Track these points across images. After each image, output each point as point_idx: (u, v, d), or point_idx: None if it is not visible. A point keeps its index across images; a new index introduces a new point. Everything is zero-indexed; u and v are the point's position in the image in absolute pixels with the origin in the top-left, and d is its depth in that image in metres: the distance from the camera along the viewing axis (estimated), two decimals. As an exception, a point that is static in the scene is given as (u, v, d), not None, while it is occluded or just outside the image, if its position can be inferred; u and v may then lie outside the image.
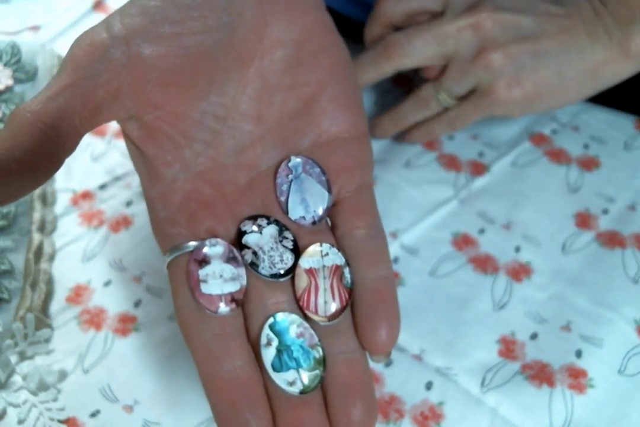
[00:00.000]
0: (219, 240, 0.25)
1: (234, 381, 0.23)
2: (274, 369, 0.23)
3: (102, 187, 0.43)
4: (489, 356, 0.35)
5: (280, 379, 0.23)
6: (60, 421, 0.33)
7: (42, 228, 0.40)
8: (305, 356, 0.24)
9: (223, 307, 0.24)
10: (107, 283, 0.39)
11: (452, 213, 0.41)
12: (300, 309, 0.25)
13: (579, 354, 0.35)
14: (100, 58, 0.24)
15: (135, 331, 0.37)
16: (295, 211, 0.26)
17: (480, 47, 0.38)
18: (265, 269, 0.25)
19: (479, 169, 0.43)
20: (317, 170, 0.27)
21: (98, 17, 0.54)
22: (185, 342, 0.25)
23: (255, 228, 0.26)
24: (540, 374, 0.34)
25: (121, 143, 0.46)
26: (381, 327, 0.24)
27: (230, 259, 0.25)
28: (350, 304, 0.25)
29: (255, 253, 0.25)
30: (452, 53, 0.38)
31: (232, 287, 0.24)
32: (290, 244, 0.26)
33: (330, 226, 0.27)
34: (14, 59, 0.47)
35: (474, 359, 0.35)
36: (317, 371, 0.23)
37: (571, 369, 0.35)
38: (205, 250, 0.25)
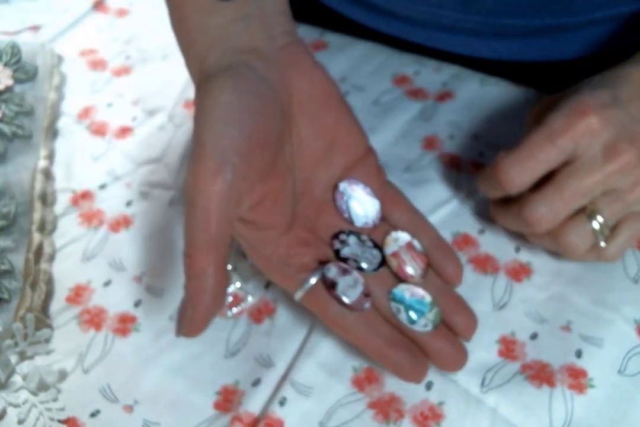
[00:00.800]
0: (329, 265, 0.33)
1: (392, 341, 0.32)
2: (411, 323, 0.32)
3: (102, 187, 0.43)
4: (489, 355, 0.35)
5: (418, 327, 0.32)
6: (60, 421, 0.33)
7: (42, 228, 0.40)
8: (423, 305, 0.33)
9: (367, 305, 0.32)
10: (107, 283, 0.39)
11: (453, 213, 0.41)
12: (400, 280, 0.34)
13: (579, 354, 0.35)
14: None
15: (135, 331, 0.37)
16: (359, 220, 0.35)
17: (635, 181, 0.34)
18: (368, 267, 0.33)
19: (479, 169, 0.43)
20: (360, 185, 0.35)
21: (98, 17, 0.54)
22: (351, 337, 0.32)
23: (341, 242, 0.34)
24: (540, 374, 0.34)
25: (121, 143, 0.46)
26: (450, 265, 0.35)
27: (344, 272, 0.32)
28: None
29: (355, 260, 0.33)
30: (599, 195, 0.34)
31: (361, 288, 0.32)
32: (370, 244, 0.34)
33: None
34: (14, 59, 0.47)
35: (474, 359, 0.35)
36: (436, 309, 0.33)
37: (571, 369, 0.35)
38: (328, 275, 0.32)
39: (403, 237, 0.34)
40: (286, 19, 0.34)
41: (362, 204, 0.35)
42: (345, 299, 0.32)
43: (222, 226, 0.28)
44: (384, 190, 0.36)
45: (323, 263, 0.33)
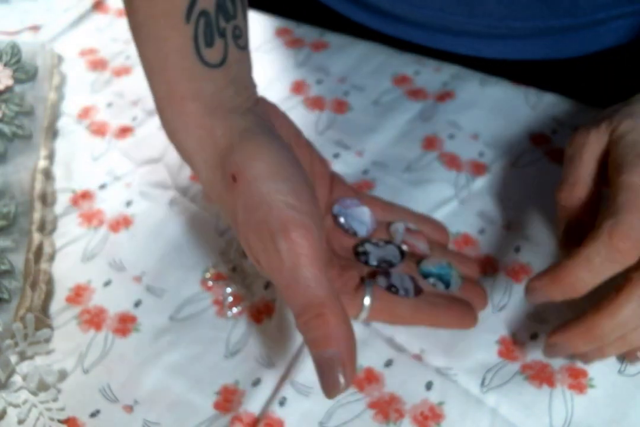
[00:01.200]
0: (377, 277, 0.35)
1: (446, 307, 0.36)
2: (448, 288, 0.36)
3: (102, 187, 0.43)
4: (489, 356, 0.35)
5: (454, 287, 0.36)
6: (60, 421, 0.33)
7: (42, 228, 0.40)
8: (447, 269, 0.36)
9: (423, 287, 0.36)
10: (107, 283, 0.39)
11: (453, 213, 0.41)
12: (419, 259, 0.37)
13: (579, 354, 0.35)
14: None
15: (135, 331, 0.37)
16: (362, 230, 0.37)
17: None
18: (396, 261, 0.36)
19: (479, 169, 0.43)
20: (348, 201, 0.38)
21: (98, 17, 0.54)
22: (420, 321, 0.36)
23: (363, 253, 0.36)
24: (540, 374, 0.34)
25: (121, 143, 0.46)
26: (435, 230, 0.40)
27: (388, 274, 0.35)
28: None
29: (384, 261, 0.36)
30: None
31: (407, 277, 0.36)
32: (383, 243, 0.37)
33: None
34: (14, 59, 0.47)
35: (474, 359, 0.35)
36: (454, 266, 0.37)
37: (571, 369, 0.35)
38: (384, 284, 0.35)
39: (399, 226, 0.38)
40: (252, 76, 0.34)
41: (357, 217, 0.38)
42: (409, 293, 0.35)
43: (325, 273, 0.29)
44: (361, 198, 0.39)
45: (366, 277, 0.35)
